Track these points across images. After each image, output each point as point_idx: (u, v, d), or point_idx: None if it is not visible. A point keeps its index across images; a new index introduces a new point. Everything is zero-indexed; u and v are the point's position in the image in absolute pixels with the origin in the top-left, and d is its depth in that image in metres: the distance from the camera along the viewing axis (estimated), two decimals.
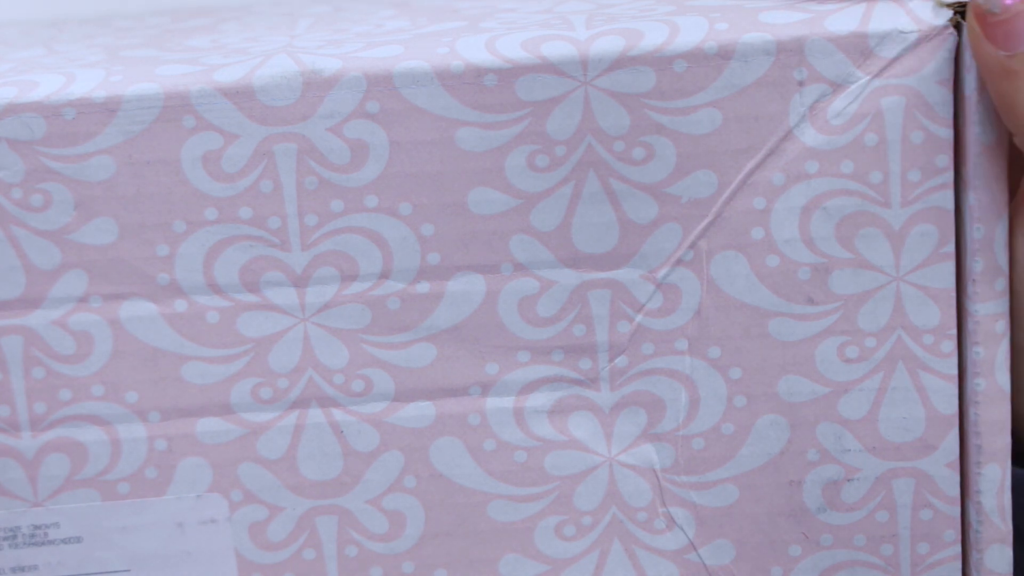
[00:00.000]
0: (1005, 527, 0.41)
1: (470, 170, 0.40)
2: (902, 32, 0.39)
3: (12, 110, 0.40)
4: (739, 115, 0.40)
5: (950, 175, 0.40)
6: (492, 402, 0.42)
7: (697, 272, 0.41)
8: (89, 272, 0.41)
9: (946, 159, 0.40)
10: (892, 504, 0.42)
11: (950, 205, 0.40)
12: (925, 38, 0.39)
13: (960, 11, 0.39)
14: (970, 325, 0.40)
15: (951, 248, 0.40)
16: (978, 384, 0.41)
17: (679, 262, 0.41)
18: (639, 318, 0.41)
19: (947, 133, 0.40)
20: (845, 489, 0.42)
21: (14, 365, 0.41)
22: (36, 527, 0.42)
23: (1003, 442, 0.41)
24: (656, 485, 0.42)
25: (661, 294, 0.41)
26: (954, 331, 0.41)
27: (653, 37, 0.40)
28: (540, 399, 0.42)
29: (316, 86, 0.40)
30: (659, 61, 0.39)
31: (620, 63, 0.39)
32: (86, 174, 0.40)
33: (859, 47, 0.39)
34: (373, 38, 0.42)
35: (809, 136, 0.40)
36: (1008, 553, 0.42)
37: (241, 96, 0.40)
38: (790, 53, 0.39)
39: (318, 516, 0.42)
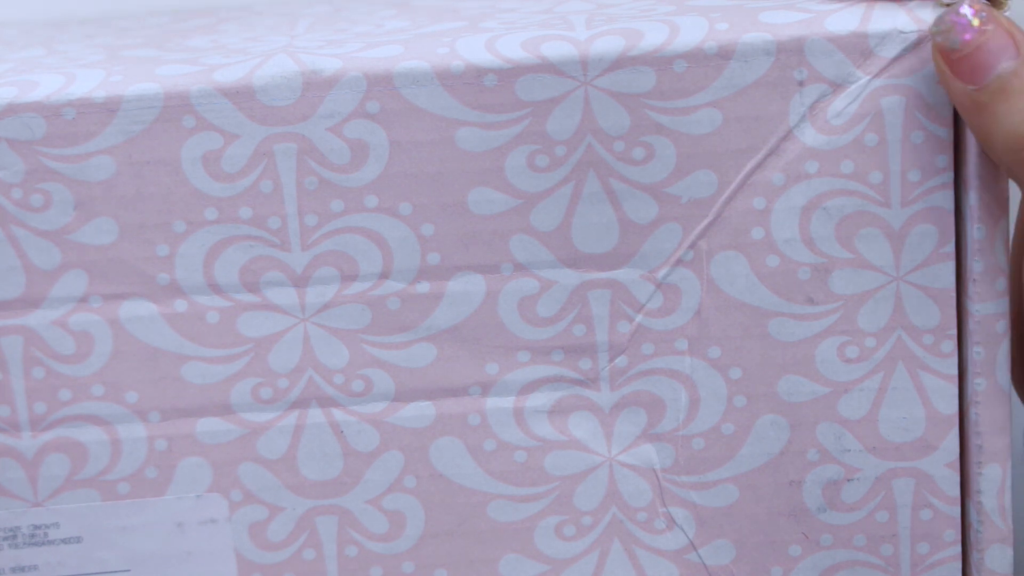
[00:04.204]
0: (1006, 527, 0.41)
1: (470, 170, 0.40)
2: (902, 32, 0.39)
3: (12, 110, 0.40)
4: (739, 115, 0.40)
5: (950, 175, 0.40)
6: (492, 402, 0.42)
7: (697, 272, 0.41)
8: (89, 272, 0.41)
9: (946, 159, 0.40)
10: (892, 504, 0.42)
11: (950, 205, 0.40)
12: (925, 38, 0.39)
13: None
14: (970, 325, 0.40)
15: (951, 248, 0.40)
16: (978, 384, 0.41)
17: (679, 262, 0.41)
18: (639, 318, 0.41)
19: (947, 133, 0.40)
20: (845, 489, 0.42)
21: (14, 365, 0.41)
22: (36, 527, 0.42)
23: (1003, 442, 0.41)
24: (656, 485, 0.42)
25: (661, 294, 0.41)
26: (954, 331, 0.41)
27: (653, 37, 0.40)
28: (540, 399, 0.42)
29: (316, 86, 0.40)
30: (659, 61, 0.39)
31: (620, 63, 0.39)
32: (86, 174, 0.40)
33: (859, 47, 0.39)
34: (373, 38, 0.41)
35: (809, 136, 0.40)
36: (1008, 553, 0.41)
37: (241, 96, 0.40)
38: (790, 53, 0.39)
39: (318, 516, 0.42)
